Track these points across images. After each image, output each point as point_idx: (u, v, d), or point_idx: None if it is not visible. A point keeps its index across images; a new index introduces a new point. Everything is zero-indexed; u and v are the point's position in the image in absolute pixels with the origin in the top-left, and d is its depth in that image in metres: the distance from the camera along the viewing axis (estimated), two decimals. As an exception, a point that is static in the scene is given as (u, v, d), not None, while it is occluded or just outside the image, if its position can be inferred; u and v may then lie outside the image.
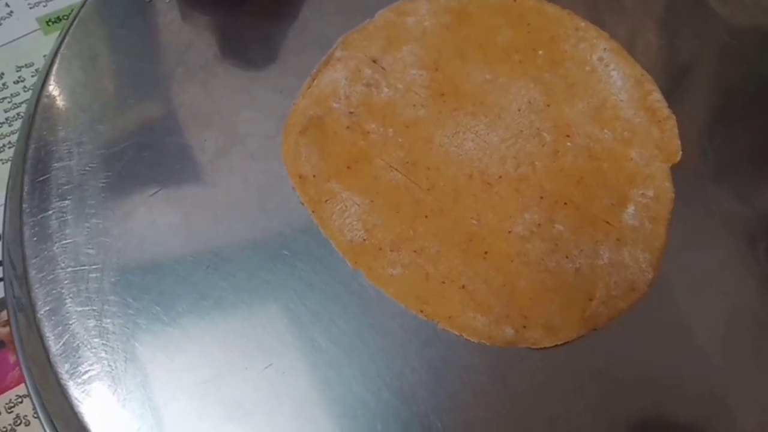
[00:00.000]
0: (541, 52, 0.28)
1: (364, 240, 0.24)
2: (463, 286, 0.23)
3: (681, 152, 0.26)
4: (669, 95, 0.27)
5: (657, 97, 0.27)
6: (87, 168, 0.26)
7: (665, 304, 0.24)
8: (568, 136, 0.26)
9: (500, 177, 0.25)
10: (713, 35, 0.29)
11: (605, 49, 0.28)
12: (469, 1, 0.29)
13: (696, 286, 0.24)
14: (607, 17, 0.29)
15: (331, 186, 0.25)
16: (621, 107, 0.27)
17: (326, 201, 0.24)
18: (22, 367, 0.25)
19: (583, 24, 0.28)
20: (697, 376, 0.23)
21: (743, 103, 0.28)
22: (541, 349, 0.23)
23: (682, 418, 0.22)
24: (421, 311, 0.23)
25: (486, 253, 0.24)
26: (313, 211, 0.24)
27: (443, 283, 0.23)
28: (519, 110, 0.26)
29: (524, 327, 0.23)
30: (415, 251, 0.24)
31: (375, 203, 0.24)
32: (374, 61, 0.27)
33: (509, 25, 0.28)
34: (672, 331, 0.23)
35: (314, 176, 0.25)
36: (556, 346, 0.23)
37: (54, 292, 0.24)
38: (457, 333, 0.23)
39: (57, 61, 0.28)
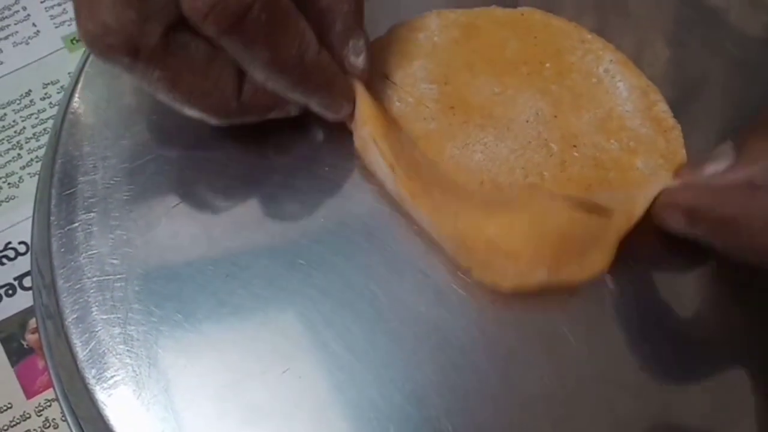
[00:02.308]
0: (548, 65, 0.28)
1: None
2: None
3: (686, 161, 0.26)
4: (675, 105, 0.27)
5: (662, 107, 0.27)
6: (111, 181, 0.27)
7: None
8: (575, 146, 0.27)
9: (509, 185, 0.26)
10: (720, 46, 0.29)
11: (611, 60, 0.28)
12: (478, 15, 0.29)
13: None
14: (614, 28, 0.29)
15: None
16: (627, 118, 0.27)
17: None
18: (51, 372, 0.26)
19: (589, 36, 0.29)
20: (705, 379, 0.23)
21: (749, 113, 0.28)
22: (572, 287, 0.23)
23: (688, 420, 0.23)
24: (456, 256, 0.24)
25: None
26: None
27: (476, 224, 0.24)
28: (527, 121, 0.27)
29: (556, 266, 0.23)
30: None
31: None
32: (386, 76, 0.28)
33: (517, 38, 0.29)
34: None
35: None
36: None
37: (81, 300, 0.24)
38: (489, 282, 0.24)
39: (81, 78, 0.29)
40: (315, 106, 0.25)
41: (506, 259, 0.23)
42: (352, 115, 0.26)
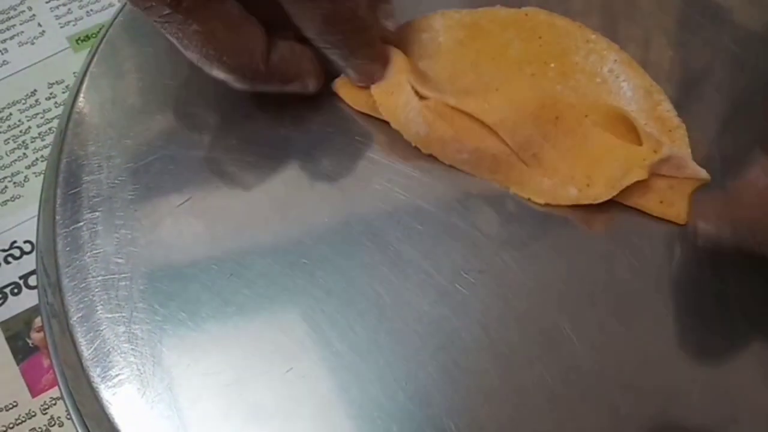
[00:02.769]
0: (552, 65, 0.28)
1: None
2: (534, 154, 0.26)
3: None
4: (677, 105, 0.27)
5: (666, 106, 0.27)
6: (116, 181, 0.27)
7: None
8: None
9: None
10: (722, 45, 0.29)
11: (615, 60, 0.28)
12: (482, 15, 0.29)
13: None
14: (616, 28, 0.29)
15: None
16: (632, 118, 0.27)
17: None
18: (56, 370, 0.26)
19: (593, 36, 0.29)
20: (708, 379, 0.23)
21: (752, 112, 0.28)
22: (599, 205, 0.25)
23: (691, 423, 0.23)
24: (493, 179, 0.26)
25: (557, 117, 0.26)
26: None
27: (512, 154, 0.26)
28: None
29: (587, 186, 0.25)
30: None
31: None
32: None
33: (521, 38, 0.29)
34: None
35: None
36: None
37: (86, 299, 0.25)
38: (525, 197, 0.26)
39: (86, 78, 0.30)
40: (353, 67, 0.26)
41: (542, 176, 0.25)
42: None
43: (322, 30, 0.24)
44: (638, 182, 0.25)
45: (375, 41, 0.26)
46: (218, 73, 0.25)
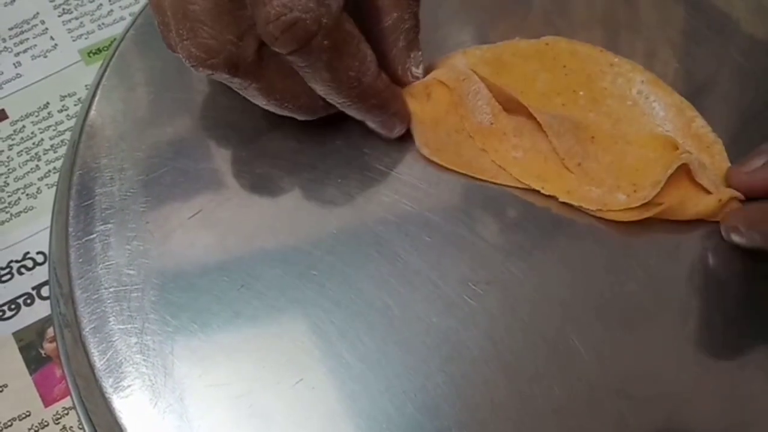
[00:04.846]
0: (581, 93, 0.28)
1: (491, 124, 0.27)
2: (579, 164, 0.26)
3: None
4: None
5: (700, 123, 0.27)
6: (128, 193, 0.27)
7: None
8: None
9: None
10: (728, 56, 0.29)
11: (642, 81, 0.28)
12: (503, 50, 0.29)
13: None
14: (622, 42, 0.30)
15: None
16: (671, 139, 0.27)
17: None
18: (69, 381, 0.26)
19: (616, 59, 0.28)
20: (717, 392, 0.23)
21: (759, 123, 0.28)
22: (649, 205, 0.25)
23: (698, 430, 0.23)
24: (542, 188, 0.26)
25: (593, 137, 0.27)
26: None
27: (560, 162, 0.26)
28: None
29: (634, 191, 0.26)
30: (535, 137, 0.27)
31: None
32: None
33: (545, 69, 0.28)
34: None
35: None
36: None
37: (98, 310, 0.25)
38: (576, 204, 0.26)
39: (98, 91, 0.30)
40: (370, 123, 0.27)
41: (589, 185, 0.26)
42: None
43: (326, 94, 0.25)
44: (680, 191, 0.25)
45: (389, 102, 0.26)
46: (285, 113, 0.26)
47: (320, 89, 0.25)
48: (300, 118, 0.27)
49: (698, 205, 0.26)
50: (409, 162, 0.27)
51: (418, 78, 0.28)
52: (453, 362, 0.24)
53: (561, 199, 0.26)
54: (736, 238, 0.25)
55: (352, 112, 0.26)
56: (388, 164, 0.27)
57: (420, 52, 0.27)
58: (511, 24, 0.31)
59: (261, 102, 0.26)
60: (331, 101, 0.25)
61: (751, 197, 0.26)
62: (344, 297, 0.25)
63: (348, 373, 0.23)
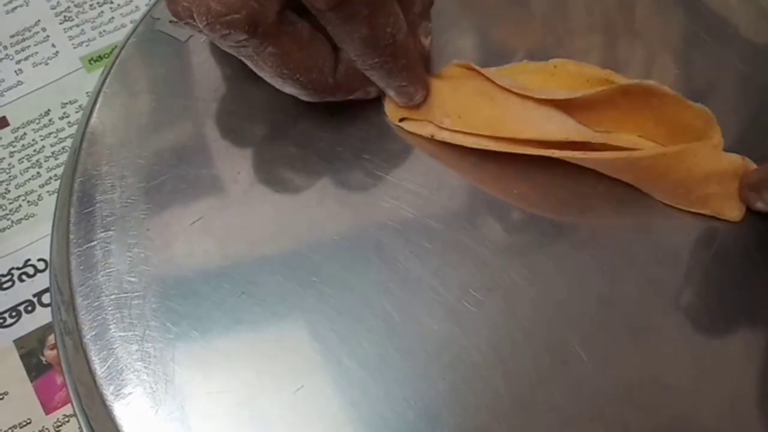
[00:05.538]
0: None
1: None
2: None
3: None
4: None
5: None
6: (129, 200, 0.27)
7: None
8: None
9: None
10: (729, 62, 0.29)
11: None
12: (510, 71, 0.29)
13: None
14: (622, 48, 0.30)
15: None
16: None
17: None
18: (69, 388, 0.26)
19: (624, 81, 0.28)
20: (720, 399, 0.23)
21: (760, 129, 0.28)
22: None
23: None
24: (566, 137, 0.26)
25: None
26: None
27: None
28: None
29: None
30: None
31: None
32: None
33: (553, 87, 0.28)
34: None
35: None
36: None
37: (99, 318, 0.25)
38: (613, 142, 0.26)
39: (100, 98, 0.30)
40: (394, 89, 0.27)
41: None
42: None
43: (361, 53, 0.25)
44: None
45: (415, 64, 0.27)
46: (290, 89, 0.26)
47: (357, 49, 0.25)
48: (304, 97, 0.26)
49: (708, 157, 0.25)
50: (410, 168, 0.27)
51: (424, 50, 0.28)
52: (454, 369, 0.24)
53: (594, 140, 0.25)
54: (760, 205, 0.25)
55: (381, 74, 0.26)
56: (389, 170, 0.27)
57: (430, 24, 0.28)
58: (511, 30, 0.31)
59: (270, 71, 0.25)
60: (362, 64, 0.25)
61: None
62: (345, 303, 0.25)
63: (349, 380, 0.23)
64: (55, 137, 0.45)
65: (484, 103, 0.27)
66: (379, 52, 0.25)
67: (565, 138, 0.26)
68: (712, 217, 0.26)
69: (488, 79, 0.28)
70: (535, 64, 0.29)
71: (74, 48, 0.48)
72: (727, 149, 0.27)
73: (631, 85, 0.26)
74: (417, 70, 0.27)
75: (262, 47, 0.24)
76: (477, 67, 0.28)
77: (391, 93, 0.27)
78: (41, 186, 0.43)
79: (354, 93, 0.27)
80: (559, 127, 0.26)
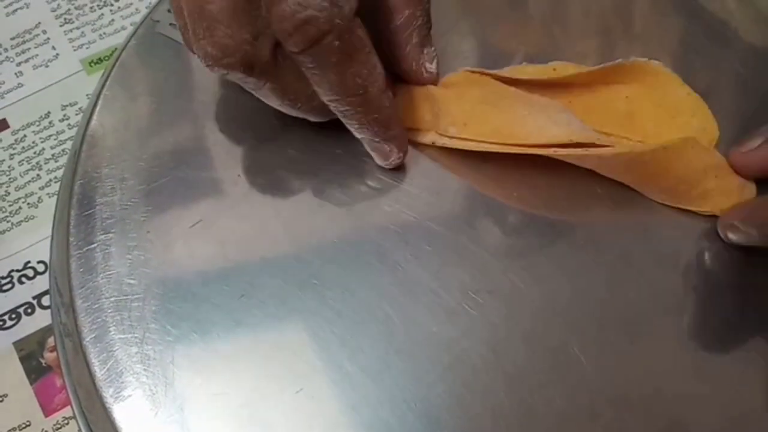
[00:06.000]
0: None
1: None
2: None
3: None
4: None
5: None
6: (129, 203, 0.27)
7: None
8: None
9: None
10: (728, 65, 0.30)
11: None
12: (509, 74, 0.28)
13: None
14: (622, 51, 0.30)
15: None
16: None
17: None
18: (69, 390, 0.26)
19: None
20: (719, 401, 0.23)
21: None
22: None
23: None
24: (570, 138, 0.26)
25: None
26: None
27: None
28: None
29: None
30: None
31: None
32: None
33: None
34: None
35: None
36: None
37: (99, 320, 0.25)
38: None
39: (100, 101, 0.30)
40: (367, 143, 0.27)
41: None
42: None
43: (330, 98, 0.25)
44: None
45: (390, 122, 0.26)
46: (297, 114, 0.26)
47: (326, 93, 0.25)
48: (313, 119, 0.27)
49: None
50: (410, 171, 0.27)
51: (432, 73, 0.28)
52: (454, 371, 0.24)
53: (598, 142, 0.25)
54: (733, 236, 0.25)
55: (352, 123, 0.26)
56: (389, 174, 0.27)
57: (433, 48, 0.28)
58: (510, 31, 0.31)
59: (275, 102, 0.26)
60: (334, 109, 0.25)
61: (745, 176, 0.26)
62: (345, 306, 0.25)
63: (349, 383, 0.23)
64: (55, 139, 0.45)
65: (489, 110, 0.27)
66: (348, 101, 0.25)
67: (569, 140, 0.26)
68: (712, 218, 0.26)
69: (493, 85, 0.28)
70: (535, 67, 0.29)
71: (74, 50, 0.48)
72: (726, 148, 0.27)
73: (625, 63, 0.27)
74: (393, 128, 0.26)
75: (261, 83, 0.24)
76: (489, 72, 0.28)
77: (367, 147, 0.27)
78: (41, 188, 0.43)
79: None
80: (564, 129, 0.26)
